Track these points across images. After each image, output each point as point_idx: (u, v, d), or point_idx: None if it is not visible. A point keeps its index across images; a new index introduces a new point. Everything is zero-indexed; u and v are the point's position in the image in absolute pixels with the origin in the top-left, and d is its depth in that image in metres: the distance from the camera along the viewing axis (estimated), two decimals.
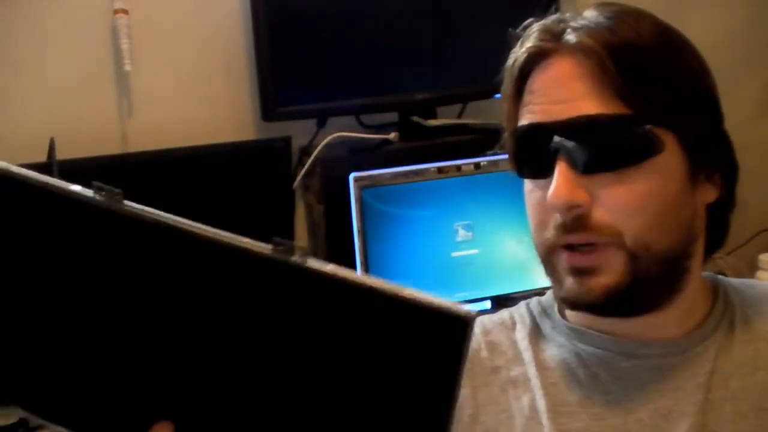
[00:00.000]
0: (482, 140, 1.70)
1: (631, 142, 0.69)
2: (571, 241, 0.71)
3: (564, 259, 0.72)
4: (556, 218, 0.71)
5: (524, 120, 0.73)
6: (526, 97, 0.74)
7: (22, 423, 1.44)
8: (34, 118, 1.59)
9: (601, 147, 0.69)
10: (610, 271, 0.70)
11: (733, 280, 0.83)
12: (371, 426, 0.46)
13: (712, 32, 1.99)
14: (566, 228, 0.71)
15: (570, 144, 0.69)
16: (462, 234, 1.60)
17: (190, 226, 0.48)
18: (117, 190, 0.50)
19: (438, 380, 0.43)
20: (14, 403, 0.55)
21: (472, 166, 1.60)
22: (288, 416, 0.49)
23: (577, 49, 0.70)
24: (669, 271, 0.73)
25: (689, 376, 0.75)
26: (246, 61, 1.71)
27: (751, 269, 1.84)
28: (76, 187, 0.51)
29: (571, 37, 0.70)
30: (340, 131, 1.69)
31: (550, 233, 0.72)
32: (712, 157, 0.74)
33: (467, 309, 0.42)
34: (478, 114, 1.83)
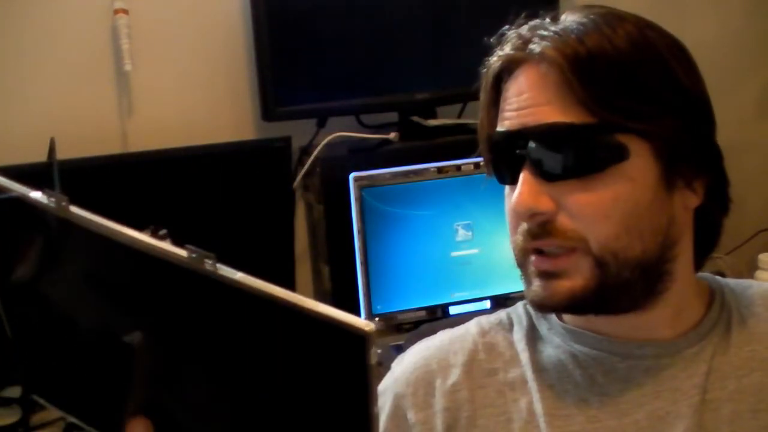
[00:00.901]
0: None
1: (593, 150, 0.70)
2: (537, 246, 0.72)
3: (532, 263, 0.73)
4: (522, 224, 0.72)
5: (498, 126, 0.74)
6: (502, 104, 0.75)
7: (23, 423, 1.44)
8: (34, 118, 1.60)
9: (564, 154, 0.69)
10: (576, 276, 0.71)
11: (730, 281, 0.83)
12: None
13: (712, 32, 2.00)
14: (532, 234, 0.72)
15: (533, 151, 0.70)
16: (462, 234, 1.60)
17: (116, 232, 0.50)
18: (63, 197, 0.52)
19: (348, 395, 0.43)
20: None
21: (472, 166, 1.60)
22: (210, 417, 0.50)
23: (540, 59, 0.71)
24: (644, 275, 0.72)
25: (685, 377, 0.74)
26: (246, 61, 1.71)
27: (750, 269, 1.84)
28: (35, 194, 0.54)
29: (535, 46, 0.71)
30: (340, 131, 1.69)
31: (520, 238, 0.73)
32: (691, 162, 0.73)
33: (366, 323, 0.41)
34: (478, 114, 1.83)
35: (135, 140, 1.67)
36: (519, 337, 0.80)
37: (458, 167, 1.60)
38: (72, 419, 0.57)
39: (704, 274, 0.81)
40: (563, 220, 0.70)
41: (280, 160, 1.65)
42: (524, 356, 0.79)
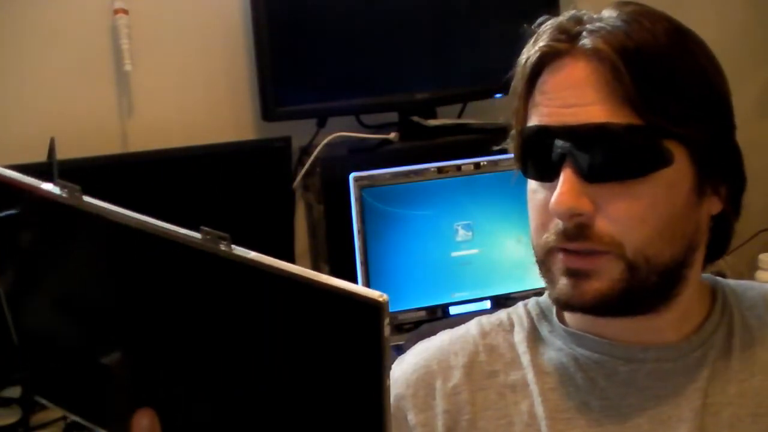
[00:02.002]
0: (482, 140, 1.70)
1: (639, 154, 0.68)
2: (570, 247, 0.70)
3: (560, 260, 0.71)
4: (557, 223, 0.70)
5: (533, 121, 0.72)
6: (537, 97, 0.72)
7: (23, 423, 1.44)
8: (34, 118, 1.60)
9: (609, 156, 0.68)
10: (605, 278, 0.70)
11: (731, 282, 0.82)
12: (303, 412, 0.47)
13: (712, 32, 1.99)
14: (566, 235, 0.70)
15: (577, 151, 0.68)
16: (462, 234, 1.60)
17: (129, 218, 0.50)
18: (76, 186, 0.53)
19: (363, 367, 0.44)
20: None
21: (472, 166, 1.60)
22: (221, 400, 0.51)
23: (591, 54, 0.69)
24: (666, 279, 0.72)
25: (687, 381, 0.74)
26: (246, 61, 1.71)
27: (751, 269, 1.84)
28: (47, 185, 0.54)
29: (586, 40, 0.69)
30: (340, 131, 1.69)
31: (550, 236, 0.71)
32: (721, 169, 0.73)
33: (379, 294, 0.42)
34: (478, 114, 1.83)
35: (135, 140, 1.67)
36: (520, 338, 0.80)
37: (458, 167, 1.60)
38: (75, 418, 0.57)
39: (705, 275, 0.81)
40: (601, 224, 0.69)
41: (280, 160, 1.65)
42: (525, 358, 0.78)
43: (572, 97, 0.69)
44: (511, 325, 0.82)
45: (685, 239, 0.72)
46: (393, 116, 1.78)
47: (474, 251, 1.61)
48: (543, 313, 0.81)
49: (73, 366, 0.58)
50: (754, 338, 0.76)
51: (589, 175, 0.68)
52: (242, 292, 0.47)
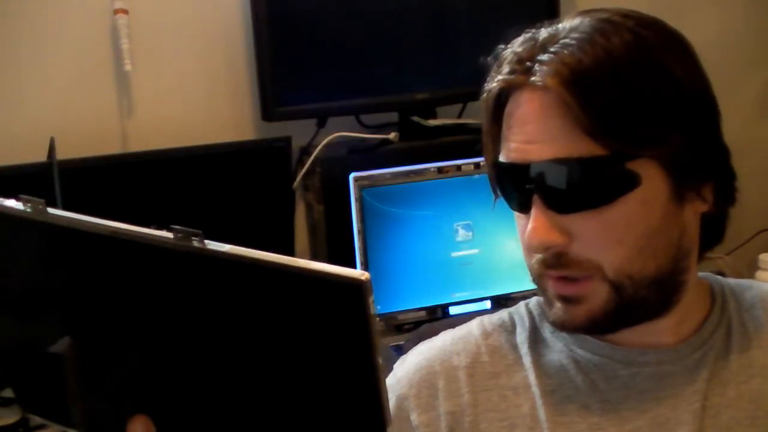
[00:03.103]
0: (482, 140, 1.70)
1: (605, 182, 0.68)
2: (552, 275, 0.72)
3: (551, 286, 0.73)
4: (538, 254, 0.72)
5: (502, 156, 0.73)
6: (505, 130, 0.73)
7: (22, 423, 1.44)
8: (34, 118, 1.60)
9: (575, 189, 0.68)
10: (594, 300, 0.71)
11: (731, 281, 0.82)
12: (296, 399, 0.47)
13: (712, 32, 2.00)
14: (546, 264, 0.71)
15: (544, 186, 0.69)
16: (462, 234, 1.60)
17: (100, 226, 0.50)
18: (39, 200, 0.52)
19: (353, 348, 0.44)
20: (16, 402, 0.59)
21: (472, 166, 1.60)
22: (214, 398, 0.50)
23: (543, 89, 0.68)
24: (660, 289, 0.72)
25: (687, 384, 0.74)
26: (246, 61, 1.71)
27: (750, 269, 1.84)
28: (9, 202, 0.53)
29: (536, 77, 0.68)
30: (340, 131, 1.69)
31: (535, 263, 0.73)
32: (701, 171, 0.72)
33: (360, 273, 0.42)
34: (478, 114, 1.82)
35: (135, 140, 1.67)
36: (522, 339, 0.80)
37: (458, 167, 1.60)
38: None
39: (705, 274, 0.81)
40: (577, 250, 0.70)
41: (280, 160, 1.65)
42: (527, 360, 0.78)
43: (533, 132, 0.69)
44: (513, 326, 0.82)
45: (670, 248, 0.72)
46: (393, 116, 1.78)
47: (474, 251, 1.61)
48: (544, 314, 0.81)
49: (58, 379, 0.57)
50: (751, 340, 0.76)
51: (558, 208, 0.69)
52: (223, 286, 0.47)
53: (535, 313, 0.82)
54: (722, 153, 0.73)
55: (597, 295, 0.70)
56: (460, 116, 1.84)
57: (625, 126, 0.66)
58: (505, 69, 0.72)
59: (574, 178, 0.68)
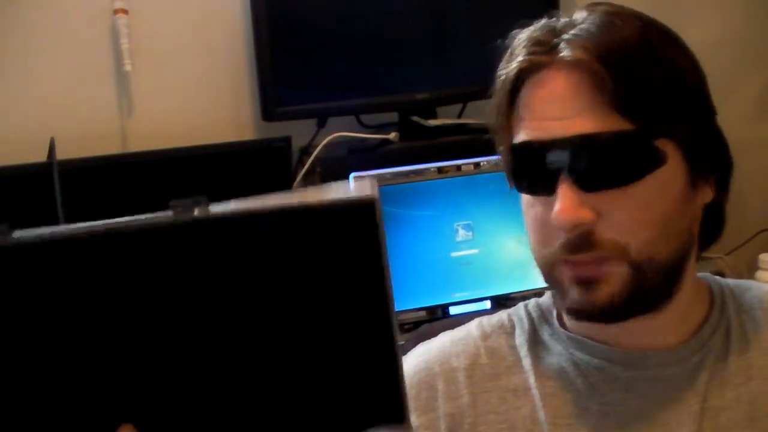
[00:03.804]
0: (482, 140, 1.70)
1: (634, 158, 0.68)
2: (576, 259, 0.70)
3: (568, 270, 0.71)
4: (561, 236, 0.70)
5: (521, 136, 0.72)
6: (522, 112, 0.72)
7: None
8: (34, 118, 1.60)
9: (604, 165, 0.68)
10: (614, 281, 0.69)
11: (730, 281, 0.82)
12: (323, 335, 0.47)
13: (712, 32, 2.00)
14: (571, 246, 0.69)
15: (572, 163, 0.68)
16: (462, 234, 1.60)
17: (88, 229, 0.46)
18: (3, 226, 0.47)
19: (366, 266, 0.45)
20: None
21: (472, 166, 1.60)
22: (245, 368, 0.49)
23: (573, 65, 0.68)
24: (669, 276, 0.72)
25: (687, 386, 0.74)
26: (246, 61, 1.71)
27: (750, 269, 1.84)
28: None
29: (566, 52, 0.68)
30: (340, 131, 1.69)
31: (554, 249, 0.71)
32: (709, 158, 0.73)
33: (365, 192, 0.44)
34: (478, 114, 1.83)
35: (135, 140, 1.67)
36: (521, 341, 0.80)
37: (458, 167, 1.60)
38: None
39: (704, 275, 0.81)
40: (603, 230, 0.69)
41: (280, 160, 1.65)
42: (526, 362, 0.78)
43: (559, 109, 0.69)
44: (512, 327, 0.81)
45: (683, 234, 0.72)
46: (393, 116, 1.78)
47: (474, 251, 1.61)
48: (543, 316, 0.81)
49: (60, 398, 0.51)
50: (750, 341, 0.76)
51: (587, 185, 0.68)
52: (237, 248, 0.46)
53: (534, 315, 0.82)
54: (722, 141, 0.75)
55: (617, 278, 0.69)
56: (460, 116, 1.84)
57: (652, 102, 0.67)
58: (524, 51, 0.72)
59: (604, 153, 0.68)
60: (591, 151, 0.68)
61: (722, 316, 0.78)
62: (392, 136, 1.70)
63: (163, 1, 1.66)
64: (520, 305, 0.84)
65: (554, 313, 0.81)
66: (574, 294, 0.71)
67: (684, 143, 0.70)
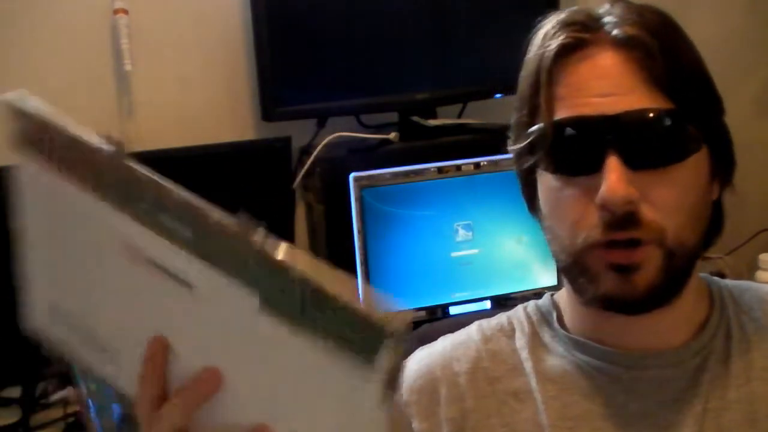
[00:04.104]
0: (482, 140, 1.70)
1: (678, 139, 0.69)
2: (617, 237, 0.68)
3: (604, 256, 0.69)
4: (604, 216, 0.68)
5: (564, 113, 0.70)
6: (561, 90, 0.70)
7: (22, 423, 1.44)
8: None
9: (652, 143, 0.68)
10: (651, 268, 0.69)
11: (729, 283, 0.82)
12: None
13: (712, 32, 2.00)
14: (615, 225, 0.68)
15: (622, 139, 0.67)
16: (462, 234, 1.60)
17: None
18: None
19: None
20: None
21: (472, 166, 1.60)
22: None
23: (622, 41, 0.69)
24: (689, 266, 0.72)
25: (688, 388, 0.74)
26: (246, 61, 1.71)
27: (751, 269, 1.84)
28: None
29: (618, 30, 0.69)
30: (340, 131, 1.69)
31: (591, 231, 0.69)
32: (724, 152, 0.74)
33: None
34: (478, 114, 1.83)
35: (135, 140, 1.66)
36: (522, 344, 0.79)
37: (458, 167, 1.60)
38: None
39: (703, 275, 0.81)
40: (646, 212, 0.68)
41: (280, 160, 1.65)
42: (528, 365, 0.78)
43: (606, 86, 0.69)
44: (512, 330, 0.81)
45: (704, 225, 0.73)
46: (393, 116, 1.77)
47: (474, 251, 1.61)
48: (544, 318, 0.81)
49: None
50: (750, 342, 0.76)
51: (634, 163, 0.68)
52: None
53: (534, 317, 0.81)
54: (730, 138, 0.75)
55: (653, 263, 0.69)
56: (460, 116, 1.84)
57: (691, 85, 0.69)
58: (565, 30, 0.71)
59: (651, 131, 0.68)
60: (639, 128, 0.68)
61: (722, 317, 0.77)
62: (392, 136, 1.70)
63: (163, 1, 1.66)
64: (519, 308, 0.83)
65: (554, 315, 0.80)
66: (610, 281, 0.69)
67: (709, 132, 0.71)
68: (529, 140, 0.72)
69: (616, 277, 0.69)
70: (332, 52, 1.67)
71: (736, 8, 2.10)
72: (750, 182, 0.77)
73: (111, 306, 0.56)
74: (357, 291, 0.48)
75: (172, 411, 0.53)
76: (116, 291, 0.55)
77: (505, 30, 1.75)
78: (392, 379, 0.47)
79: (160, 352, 0.53)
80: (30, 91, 1.69)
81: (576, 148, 0.70)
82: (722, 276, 0.84)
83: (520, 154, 0.75)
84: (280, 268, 0.49)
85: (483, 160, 1.60)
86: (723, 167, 0.74)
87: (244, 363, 0.51)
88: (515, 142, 0.75)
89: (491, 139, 1.71)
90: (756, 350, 0.75)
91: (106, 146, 0.54)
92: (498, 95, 1.79)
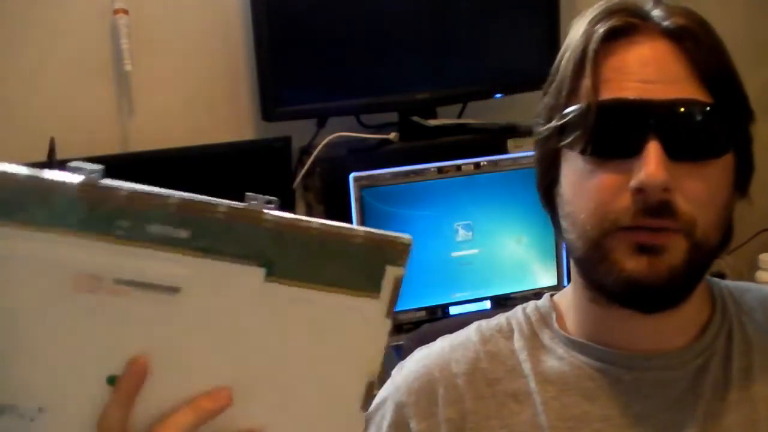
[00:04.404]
0: (482, 140, 1.70)
1: (718, 135, 0.69)
2: (648, 224, 0.68)
3: (628, 238, 0.68)
4: (637, 200, 0.68)
5: (609, 95, 0.70)
6: (607, 72, 0.70)
7: None
8: (34, 118, 1.59)
9: (694, 134, 0.68)
10: (675, 253, 0.68)
11: (730, 284, 0.82)
12: None
13: None
14: (649, 211, 0.68)
15: (665, 126, 0.67)
16: (462, 234, 1.60)
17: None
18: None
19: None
20: None
21: (472, 166, 1.60)
22: None
23: (673, 31, 0.70)
24: (707, 265, 0.72)
25: (690, 389, 0.74)
26: (246, 61, 1.71)
27: (751, 269, 1.84)
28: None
29: (668, 21, 0.70)
30: (340, 131, 1.69)
31: (621, 215, 0.68)
32: (745, 156, 0.74)
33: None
34: (478, 114, 1.83)
35: (135, 140, 1.66)
36: (520, 345, 0.79)
37: (458, 167, 1.60)
38: None
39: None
40: (680, 202, 0.68)
41: (280, 160, 1.65)
42: (526, 366, 0.77)
43: (653, 73, 0.69)
44: (511, 331, 0.81)
45: (725, 228, 0.73)
46: (393, 116, 1.77)
47: (474, 251, 1.61)
48: (543, 319, 0.80)
49: None
50: (752, 343, 0.76)
51: (674, 153, 0.68)
52: None
53: (533, 318, 0.81)
54: (751, 144, 0.75)
55: (679, 250, 0.68)
56: (460, 116, 1.84)
57: (733, 84, 0.71)
58: (613, 17, 0.71)
59: (694, 122, 0.68)
60: (684, 118, 0.68)
61: (724, 319, 0.77)
62: (392, 136, 1.70)
63: (163, 1, 1.66)
64: (518, 309, 0.83)
65: (554, 316, 0.80)
66: (634, 261, 0.68)
67: (739, 137, 0.72)
68: (564, 120, 0.72)
69: (641, 257, 0.68)
70: (332, 52, 1.67)
71: (737, 9, 2.10)
72: (750, 182, 0.77)
73: (49, 359, 0.53)
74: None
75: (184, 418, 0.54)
76: (58, 338, 0.53)
77: (505, 30, 1.75)
78: (392, 306, 0.51)
79: (138, 374, 0.53)
80: (30, 90, 1.69)
81: (617, 130, 0.69)
82: (722, 276, 0.84)
83: (548, 137, 0.74)
84: (291, 229, 0.52)
85: (483, 160, 1.60)
86: (743, 176, 0.74)
87: (245, 343, 0.53)
88: (546, 124, 0.74)
89: (491, 139, 1.72)
90: (757, 351, 0.75)
91: (76, 177, 0.52)
92: (498, 95, 1.79)
